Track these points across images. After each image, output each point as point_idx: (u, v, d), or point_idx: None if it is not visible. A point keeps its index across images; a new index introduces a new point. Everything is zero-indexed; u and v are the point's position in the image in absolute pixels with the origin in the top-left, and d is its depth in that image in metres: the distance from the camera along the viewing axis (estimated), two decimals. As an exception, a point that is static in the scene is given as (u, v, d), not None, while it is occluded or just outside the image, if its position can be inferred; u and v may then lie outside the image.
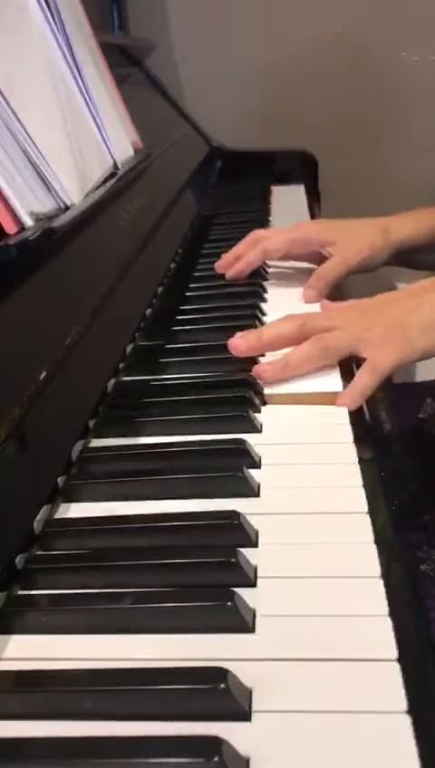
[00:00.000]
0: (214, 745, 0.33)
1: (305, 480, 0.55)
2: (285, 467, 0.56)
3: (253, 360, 0.71)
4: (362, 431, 0.60)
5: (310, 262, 0.95)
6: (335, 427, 0.61)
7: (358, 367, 0.66)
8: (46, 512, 0.51)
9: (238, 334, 0.71)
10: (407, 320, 0.67)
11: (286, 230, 0.96)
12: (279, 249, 0.93)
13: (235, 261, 0.95)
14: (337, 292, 0.96)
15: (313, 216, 1.30)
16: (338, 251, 0.90)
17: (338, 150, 1.72)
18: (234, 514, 0.48)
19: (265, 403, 0.65)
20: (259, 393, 0.67)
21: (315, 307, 0.83)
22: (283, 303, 0.90)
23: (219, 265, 0.97)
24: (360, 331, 0.67)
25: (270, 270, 1.03)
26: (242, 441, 0.58)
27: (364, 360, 0.66)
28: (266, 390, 0.66)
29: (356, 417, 0.62)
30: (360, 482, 0.53)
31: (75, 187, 0.72)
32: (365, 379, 0.64)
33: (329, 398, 0.64)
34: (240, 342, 0.70)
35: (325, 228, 0.94)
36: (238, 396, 0.65)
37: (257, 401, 0.65)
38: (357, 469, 0.55)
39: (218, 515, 0.49)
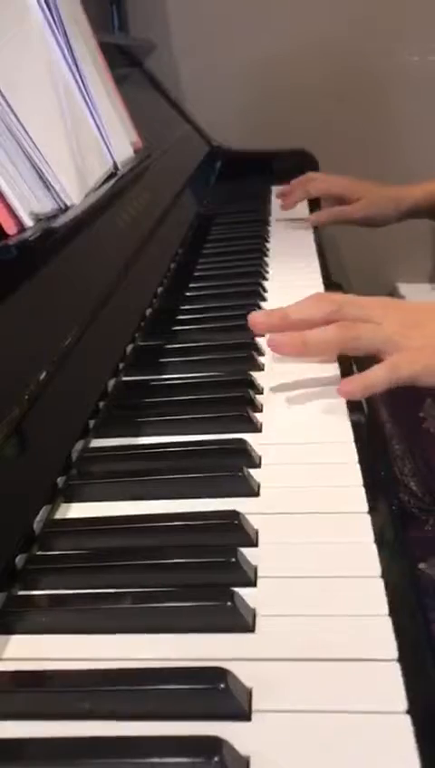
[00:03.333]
0: (214, 745, 0.33)
1: (305, 480, 0.55)
2: (285, 467, 0.56)
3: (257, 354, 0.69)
4: (362, 431, 0.60)
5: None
6: (335, 427, 0.61)
7: (359, 369, 0.65)
8: (46, 512, 0.51)
9: (259, 311, 0.66)
10: None
11: (329, 180, 1.29)
12: (323, 189, 1.27)
13: (294, 187, 1.27)
14: (337, 287, 0.96)
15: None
16: (358, 206, 1.22)
17: (338, 150, 1.72)
18: (234, 514, 0.48)
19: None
20: (260, 393, 0.67)
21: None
22: (283, 303, 0.90)
23: (279, 193, 1.31)
24: (396, 333, 0.63)
25: (270, 270, 1.03)
26: (242, 441, 0.58)
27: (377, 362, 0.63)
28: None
29: (356, 417, 0.62)
30: (360, 482, 0.53)
31: (75, 187, 0.72)
32: (379, 375, 0.61)
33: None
34: (262, 321, 0.66)
35: (354, 188, 1.26)
36: (238, 396, 0.65)
37: (257, 401, 0.65)
38: (357, 469, 0.55)
39: (218, 515, 0.49)
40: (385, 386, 0.61)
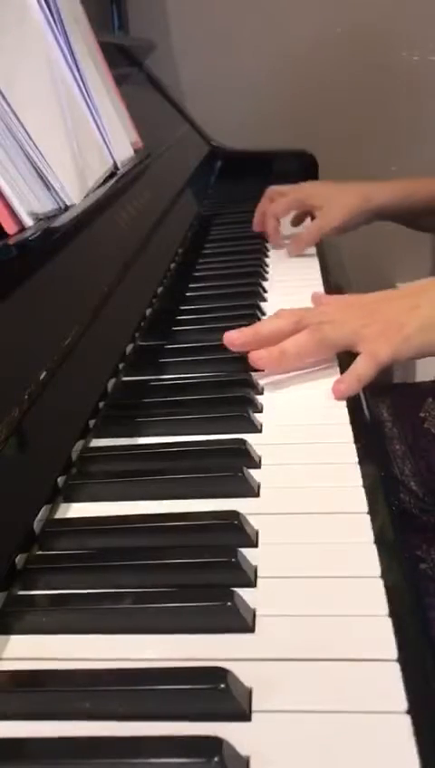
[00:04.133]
0: (214, 745, 0.33)
1: (305, 480, 0.55)
2: (285, 467, 0.56)
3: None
4: (362, 431, 0.60)
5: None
6: (335, 427, 0.61)
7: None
8: (46, 512, 0.51)
9: (233, 330, 0.72)
10: (404, 317, 0.68)
11: (289, 194, 1.16)
12: (283, 211, 1.15)
13: (262, 216, 1.16)
14: (336, 288, 0.96)
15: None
16: (321, 215, 1.11)
17: (338, 150, 1.72)
18: (234, 514, 0.48)
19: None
20: (260, 393, 0.67)
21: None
22: (283, 303, 0.90)
23: (255, 225, 1.18)
24: (357, 326, 0.68)
25: (270, 270, 1.03)
26: (242, 441, 0.58)
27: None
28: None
29: (356, 416, 0.62)
30: (360, 482, 0.53)
31: (75, 187, 0.72)
32: (362, 365, 0.65)
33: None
34: (236, 336, 0.71)
35: (314, 193, 1.15)
36: (238, 396, 0.65)
37: (257, 401, 0.65)
38: (357, 469, 0.55)
39: (218, 515, 0.49)
40: (373, 372, 0.65)
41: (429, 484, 0.80)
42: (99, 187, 0.81)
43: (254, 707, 0.36)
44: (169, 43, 1.75)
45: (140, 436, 0.61)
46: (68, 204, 0.70)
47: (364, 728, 0.34)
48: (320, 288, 0.95)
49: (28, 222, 0.63)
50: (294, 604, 0.42)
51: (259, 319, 0.84)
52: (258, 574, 0.45)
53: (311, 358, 0.69)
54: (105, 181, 0.83)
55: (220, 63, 1.76)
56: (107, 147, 0.88)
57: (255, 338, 0.70)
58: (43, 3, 0.80)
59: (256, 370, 0.71)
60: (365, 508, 0.50)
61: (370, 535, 0.47)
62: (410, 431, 0.86)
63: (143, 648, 0.40)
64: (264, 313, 0.86)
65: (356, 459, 0.56)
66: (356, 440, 0.59)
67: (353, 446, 0.58)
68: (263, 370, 0.70)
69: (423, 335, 0.67)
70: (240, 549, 0.45)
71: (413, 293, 0.72)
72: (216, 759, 0.32)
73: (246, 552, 0.46)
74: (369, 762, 0.33)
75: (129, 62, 1.44)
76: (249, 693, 0.37)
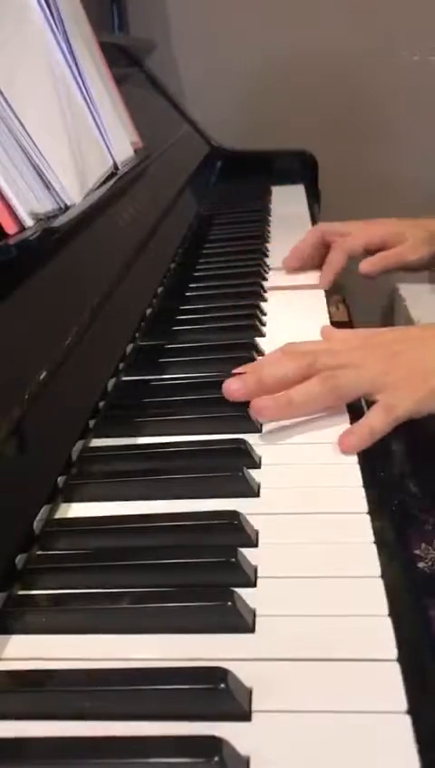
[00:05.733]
0: (214, 745, 0.33)
1: (305, 480, 0.55)
2: (285, 467, 0.56)
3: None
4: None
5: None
6: (335, 427, 0.61)
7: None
8: (46, 512, 0.51)
9: (232, 378, 0.63)
10: (429, 365, 0.61)
11: (360, 232, 1.01)
12: (357, 249, 0.99)
13: (301, 260, 1.01)
14: (338, 289, 0.96)
15: (312, 216, 1.31)
16: (409, 247, 0.99)
17: (338, 150, 1.72)
18: (234, 514, 0.48)
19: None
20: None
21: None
22: (283, 303, 0.90)
23: (288, 266, 1.02)
24: (377, 373, 0.60)
25: (270, 270, 1.03)
26: (242, 441, 0.58)
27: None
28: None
29: (356, 416, 0.62)
30: (360, 482, 0.53)
31: (75, 187, 0.72)
32: (377, 418, 0.58)
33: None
34: (236, 387, 0.62)
35: (397, 228, 1.01)
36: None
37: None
38: (357, 469, 0.55)
39: (218, 515, 0.49)
40: (387, 429, 0.58)
41: (428, 485, 0.80)
42: (99, 187, 0.81)
43: (254, 707, 0.36)
44: (169, 43, 1.75)
45: (140, 436, 0.61)
46: (68, 204, 0.70)
47: (364, 728, 0.34)
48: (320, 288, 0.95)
49: (28, 222, 0.63)
50: (294, 604, 0.42)
51: (259, 319, 0.84)
52: (258, 574, 0.45)
53: (321, 407, 0.61)
54: (105, 181, 0.83)
55: (220, 63, 1.76)
56: (107, 147, 0.88)
57: (258, 387, 0.62)
58: (43, 3, 0.80)
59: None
60: (365, 508, 0.50)
61: (370, 535, 0.47)
62: (410, 431, 0.86)
63: (143, 647, 0.40)
64: (264, 313, 0.86)
65: (356, 459, 0.56)
66: (356, 440, 0.59)
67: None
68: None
69: None
70: (240, 549, 0.45)
71: (433, 335, 0.65)
72: (216, 759, 0.32)
73: (246, 552, 0.46)
74: (369, 761, 0.33)
75: (129, 62, 1.44)
76: (249, 693, 0.37)
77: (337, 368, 0.61)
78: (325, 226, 1.05)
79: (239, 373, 0.64)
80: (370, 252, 0.99)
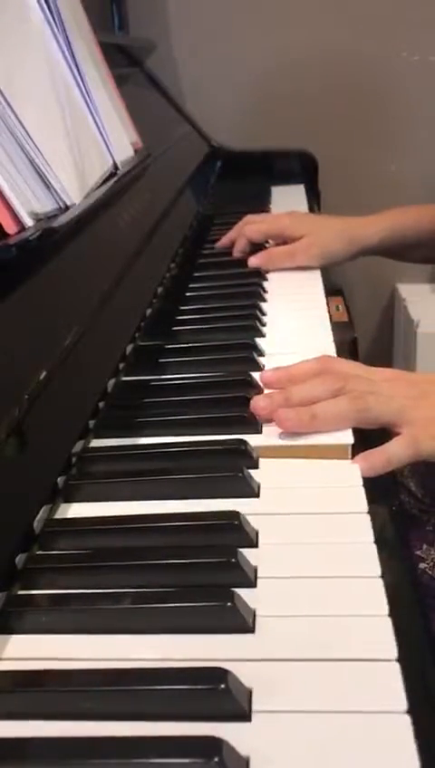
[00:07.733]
0: (214, 745, 0.33)
1: (305, 480, 0.55)
2: (285, 467, 0.56)
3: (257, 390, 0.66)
4: (362, 430, 0.60)
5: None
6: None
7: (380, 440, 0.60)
8: (46, 512, 0.51)
9: (260, 396, 0.63)
10: None
11: (267, 220, 1.10)
12: (258, 238, 1.07)
13: (230, 243, 1.10)
14: (337, 290, 0.96)
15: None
16: (300, 247, 1.03)
17: (338, 150, 1.72)
18: (234, 514, 0.48)
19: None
20: (260, 393, 0.67)
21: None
22: (283, 303, 0.90)
23: (225, 241, 1.11)
24: (406, 405, 0.60)
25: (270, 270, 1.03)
26: (242, 441, 0.58)
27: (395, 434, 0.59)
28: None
29: (360, 433, 0.62)
30: (360, 482, 0.53)
31: (75, 187, 0.72)
32: (399, 450, 0.57)
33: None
34: (264, 406, 0.61)
35: (298, 223, 1.06)
36: (238, 396, 0.65)
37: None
38: (357, 469, 0.55)
39: (218, 515, 0.49)
40: (407, 461, 0.58)
41: (428, 485, 0.80)
42: (99, 186, 0.81)
43: (254, 707, 0.36)
44: (168, 43, 1.75)
45: (140, 436, 0.61)
46: (68, 204, 0.70)
47: (364, 728, 0.34)
48: (320, 288, 0.95)
49: (28, 222, 0.63)
50: (294, 604, 0.42)
51: (259, 319, 0.84)
52: (258, 574, 0.45)
53: (344, 427, 0.59)
54: (105, 181, 0.83)
55: (220, 63, 1.76)
56: (107, 147, 0.88)
57: (287, 404, 0.61)
58: (43, 3, 0.80)
59: (257, 367, 0.70)
60: (365, 508, 0.50)
61: (370, 535, 0.47)
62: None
63: (143, 648, 0.40)
64: (264, 313, 0.86)
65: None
66: (356, 440, 0.59)
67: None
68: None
69: None
70: (240, 549, 0.45)
71: None
72: (216, 759, 0.32)
73: (246, 552, 0.46)
74: (369, 762, 0.33)
75: (129, 62, 1.44)
76: (249, 693, 0.37)
77: (367, 393, 0.61)
78: (250, 216, 1.11)
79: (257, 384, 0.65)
80: (277, 243, 1.06)
